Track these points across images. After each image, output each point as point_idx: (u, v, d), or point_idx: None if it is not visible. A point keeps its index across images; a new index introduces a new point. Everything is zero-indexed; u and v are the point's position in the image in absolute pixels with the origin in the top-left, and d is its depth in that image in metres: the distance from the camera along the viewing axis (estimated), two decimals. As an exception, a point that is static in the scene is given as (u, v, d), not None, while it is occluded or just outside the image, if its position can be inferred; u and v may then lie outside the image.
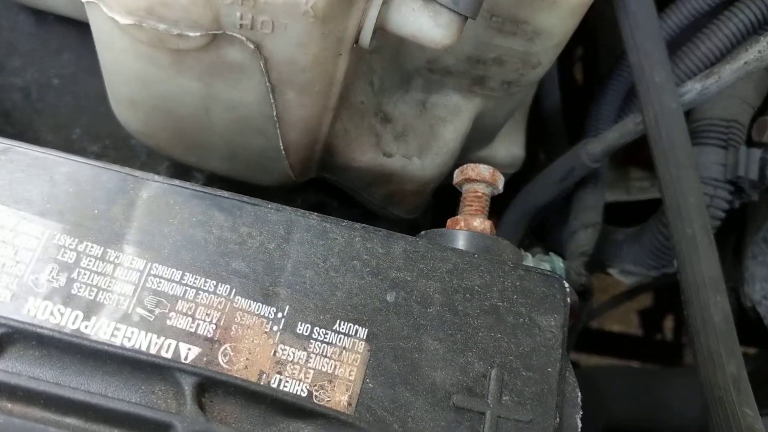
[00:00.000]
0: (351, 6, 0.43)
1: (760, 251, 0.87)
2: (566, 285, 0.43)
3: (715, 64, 0.79)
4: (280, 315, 0.37)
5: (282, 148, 0.55)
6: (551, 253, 0.54)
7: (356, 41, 0.46)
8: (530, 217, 0.82)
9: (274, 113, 0.50)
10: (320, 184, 0.71)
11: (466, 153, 0.73)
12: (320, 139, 0.58)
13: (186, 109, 0.51)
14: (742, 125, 0.80)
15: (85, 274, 0.37)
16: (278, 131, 0.52)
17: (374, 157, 0.64)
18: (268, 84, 0.47)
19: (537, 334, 0.40)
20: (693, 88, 0.63)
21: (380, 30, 0.47)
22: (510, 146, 0.77)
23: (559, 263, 0.56)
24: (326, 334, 0.38)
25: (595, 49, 1.17)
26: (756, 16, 0.77)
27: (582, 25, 0.59)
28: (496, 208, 0.87)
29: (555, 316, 0.40)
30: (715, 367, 0.51)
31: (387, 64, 0.62)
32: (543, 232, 0.95)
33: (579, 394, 0.43)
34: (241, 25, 0.42)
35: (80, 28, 0.65)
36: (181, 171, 0.69)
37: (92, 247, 0.37)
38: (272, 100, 0.49)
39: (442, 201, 0.83)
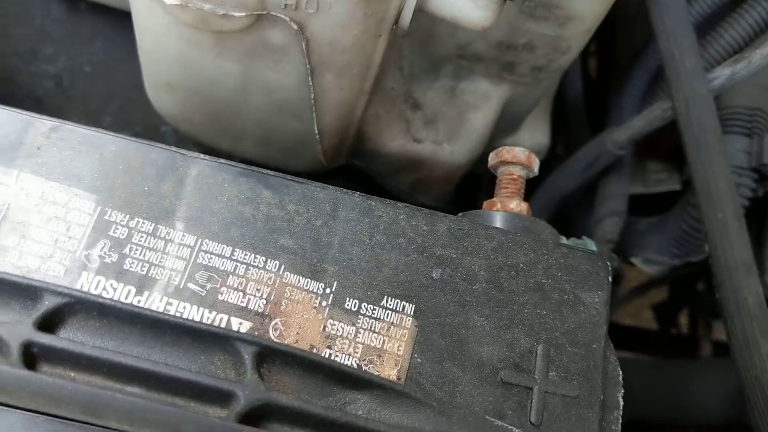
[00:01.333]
0: (393, -14, 0.43)
1: (781, 240, 0.87)
2: (608, 263, 0.43)
3: (740, 51, 0.79)
4: (328, 290, 0.38)
5: (317, 132, 0.55)
6: (584, 237, 0.54)
7: (396, 22, 0.47)
8: (555, 205, 0.82)
9: (312, 96, 0.50)
10: (345, 174, 0.71)
11: (493, 141, 0.73)
12: (353, 124, 0.58)
13: (224, 92, 0.52)
14: (766, 113, 0.80)
15: (136, 249, 0.37)
16: (314, 115, 0.53)
17: (404, 143, 0.64)
18: (308, 66, 0.47)
19: (582, 310, 0.40)
20: (722, 74, 0.63)
21: (419, 11, 0.47)
22: (535, 134, 0.77)
23: (592, 246, 0.56)
24: (374, 309, 0.38)
25: (613, 42, 1.17)
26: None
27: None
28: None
29: (599, 293, 0.41)
30: (750, 349, 0.51)
31: (417, 50, 0.62)
32: (565, 223, 0.95)
33: (620, 372, 0.43)
34: (285, 5, 0.42)
35: (112, 15, 0.65)
36: (209, 158, 0.69)
37: (143, 223, 0.38)
38: (311, 83, 0.49)
39: (464, 191, 0.83)
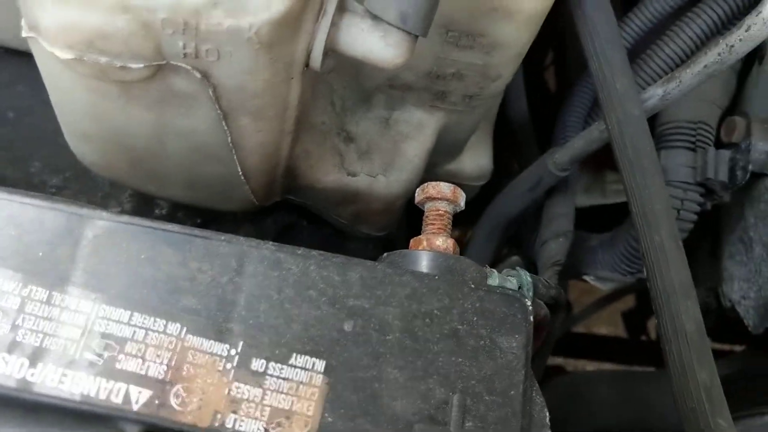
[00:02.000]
0: (297, 30, 0.42)
1: (737, 251, 0.87)
2: (528, 303, 0.42)
3: (678, 66, 0.79)
4: (233, 352, 0.37)
5: (241, 174, 0.54)
6: (518, 268, 0.53)
7: (307, 64, 0.46)
8: (503, 227, 0.82)
9: (229, 140, 0.49)
10: (290, 205, 0.70)
11: (434, 168, 0.72)
12: (281, 163, 0.57)
13: (139, 139, 0.51)
14: (711, 126, 0.80)
15: (30, 319, 0.36)
16: (235, 158, 0.52)
17: (339, 177, 0.63)
18: (219, 111, 0.46)
19: (498, 356, 0.39)
20: (655, 94, 0.62)
21: (331, 51, 0.46)
22: (477, 158, 0.76)
23: (526, 278, 0.55)
24: (282, 369, 0.37)
25: (564, 54, 1.17)
26: (719, 17, 0.77)
27: (551, 30, 0.59)
28: (470, 219, 0.87)
29: (516, 337, 0.40)
30: (687, 377, 0.50)
31: (347, 83, 0.61)
32: (519, 244, 0.94)
33: (547, 414, 0.42)
34: (185, 54, 0.41)
35: (33, 59, 0.64)
36: (144, 200, 0.67)
37: (37, 291, 0.36)
38: (225, 127, 0.48)
39: (417, 212, 0.82)
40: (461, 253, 0.49)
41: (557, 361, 1.59)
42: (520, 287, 0.51)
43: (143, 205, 0.69)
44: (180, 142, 0.51)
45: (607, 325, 1.82)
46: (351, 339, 0.38)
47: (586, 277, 0.90)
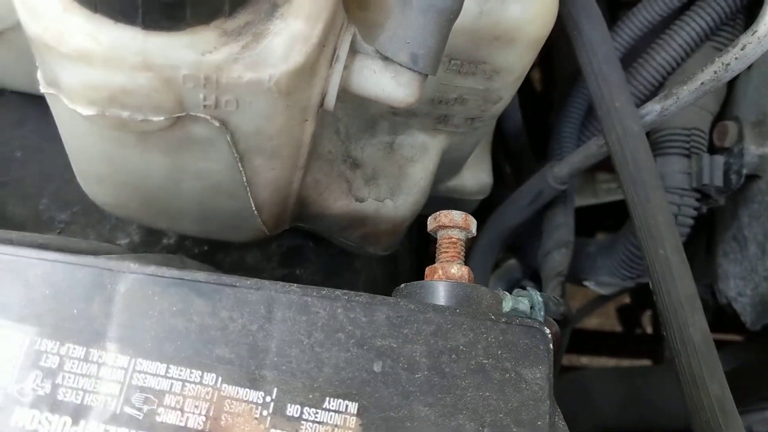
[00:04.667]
0: (313, 76, 0.43)
1: (731, 249, 0.88)
2: (548, 333, 0.43)
3: (670, 74, 0.80)
4: (268, 399, 0.38)
5: (254, 208, 0.55)
6: (529, 288, 0.54)
7: (321, 105, 0.47)
8: (503, 239, 0.83)
9: (244, 179, 0.50)
10: (295, 227, 0.71)
11: (436, 185, 0.73)
12: (292, 195, 0.58)
13: (155, 181, 0.51)
14: (703, 132, 0.82)
15: (69, 377, 0.36)
16: (249, 194, 0.52)
17: (347, 204, 0.64)
18: (236, 154, 0.47)
19: (524, 388, 0.40)
20: (653, 110, 0.64)
21: (344, 92, 0.47)
22: (478, 173, 0.77)
23: (537, 297, 0.56)
24: (317, 413, 0.38)
25: (550, 54, 1.18)
26: (707, 24, 0.78)
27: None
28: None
29: (540, 368, 0.41)
30: (699, 390, 0.52)
31: (351, 111, 0.62)
32: (519, 250, 0.96)
33: (569, 438, 0.43)
34: (205, 105, 0.42)
35: (41, 98, 0.64)
36: (151, 230, 0.68)
37: (74, 348, 0.37)
38: (241, 168, 0.49)
39: (418, 224, 0.83)
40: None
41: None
42: (532, 307, 0.52)
43: (151, 235, 0.69)
44: (195, 182, 0.51)
45: (598, 316, 1.84)
46: (381, 379, 0.39)
47: (586, 283, 0.91)
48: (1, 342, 0.37)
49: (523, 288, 0.57)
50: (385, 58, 0.45)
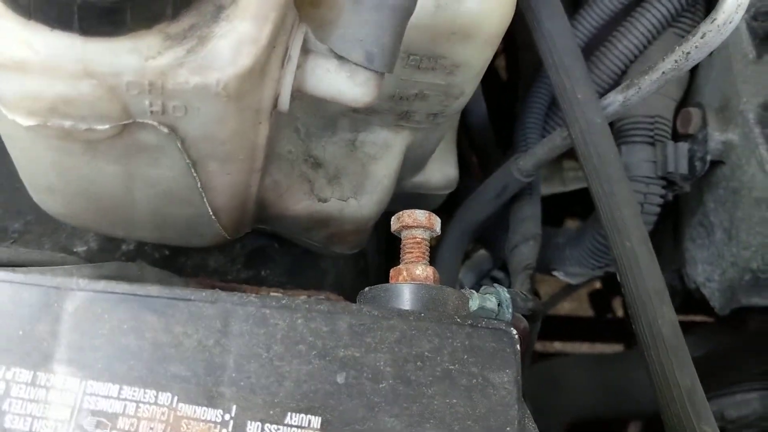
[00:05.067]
0: (264, 78, 0.41)
1: (698, 234, 0.89)
2: (515, 334, 0.42)
3: (632, 62, 0.80)
4: (227, 417, 0.36)
5: (211, 214, 0.53)
6: (495, 285, 0.54)
7: (274, 107, 0.45)
8: (471, 233, 0.82)
9: (199, 185, 0.49)
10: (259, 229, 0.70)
11: (401, 181, 0.72)
12: (251, 198, 0.56)
13: (106, 190, 0.49)
14: (667, 119, 0.81)
15: (17, 403, 0.35)
16: (205, 200, 0.51)
17: (309, 204, 0.62)
18: (187, 160, 0.45)
19: (492, 393, 0.39)
20: (615, 100, 0.63)
21: (299, 93, 0.45)
22: (443, 168, 0.76)
23: (504, 294, 0.56)
24: (278, 429, 0.36)
25: (514, 43, 1.17)
26: (668, 11, 0.78)
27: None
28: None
29: (507, 371, 0.40)
30: (669, 383, 0.52)
31: (310, 110, 0.61)
32: (488, 242, 0.95)
33: (540, 439, 0.43)
34: (151, 111, 0.40)
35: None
36: (109, 238, 0.66)
37: (21, 372, 0.35)
38: (194, 174, 0.47)
39: (385, 220, 0.82)
40: (431, 260, 0.49)
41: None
42: (499, 304, 0.52)
43: (109, 242, 0.67)
44: (148, 190, 0.50)
45: (570, 302, 1.85)
46: (345, 391, 0.38)
47: (555, 273, 0.91)
48: (-58, 369, 0.35)
49: (494, 279, 0.56)
50: (340, 57, 0.44)
